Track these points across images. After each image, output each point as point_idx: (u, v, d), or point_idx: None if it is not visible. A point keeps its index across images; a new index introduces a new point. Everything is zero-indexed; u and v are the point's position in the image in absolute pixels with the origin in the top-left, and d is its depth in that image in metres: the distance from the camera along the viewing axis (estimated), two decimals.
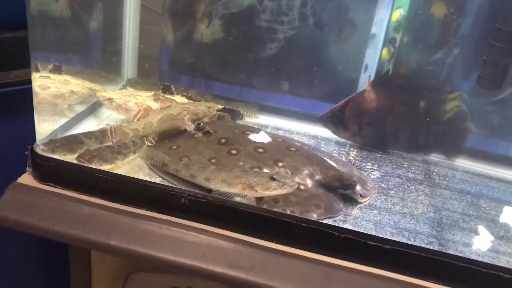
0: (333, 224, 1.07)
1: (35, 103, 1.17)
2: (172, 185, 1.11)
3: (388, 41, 1.47)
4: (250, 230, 1.05)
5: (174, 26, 1.59)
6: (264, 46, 1.56)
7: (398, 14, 1.43)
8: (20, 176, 1.16)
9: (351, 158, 1.46)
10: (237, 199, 1.08)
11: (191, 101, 1.46)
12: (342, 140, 1.55)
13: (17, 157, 1.17)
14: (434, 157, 1.53)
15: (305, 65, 1.57)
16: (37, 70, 1.19)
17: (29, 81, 1.19)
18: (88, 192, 1.12)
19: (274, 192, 1.03)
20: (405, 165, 1.45)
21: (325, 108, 1.53)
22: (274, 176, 1.03)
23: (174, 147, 1.27)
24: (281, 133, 1.54)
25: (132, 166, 1.21)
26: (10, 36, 1.28)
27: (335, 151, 1.48)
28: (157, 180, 1.16)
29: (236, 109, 1.52)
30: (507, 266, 1.01)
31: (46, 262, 1.62)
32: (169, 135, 1.33)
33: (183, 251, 1.02)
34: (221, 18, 1.56)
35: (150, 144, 1.28)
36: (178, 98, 1.50)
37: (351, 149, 1.52)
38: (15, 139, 1.30)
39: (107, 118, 1.44)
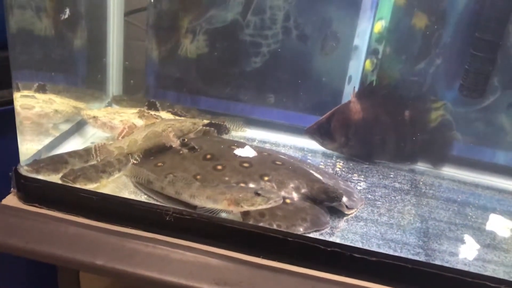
0: (320, 237, 1.08)
1: (17, 123, 1.16)
2: (157, 203, 1.11)
3: (371, 52, 1.48)
4: (236, 246, 1.04)
5: (159, 42, 1.59)
6: (249, 60, 1.56)
7: (380, 25, 1.44)
8: (4, 197, 1.15)
9: (337, 169, 1.46)
10: (223, 215, 1.08)
11: (176, 117, 1.47)
12: (328, 151, 1.56)
13: (1, 178, 1.17)
14: (421, 166, 1.53)
15: (290, 78, 1.58)
16: (18, 90, 1.19)
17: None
18: (73, 212, 1.11)
19: (259, 207, 1.03)
20: (391, 175, 1.46)
21: (311, 120, 1.54)
22: (259, 192, 1.03)
23: (160, 164, 1.27)
24: (268, 146, 1.54)
25: (117, 184, 1.21)
26: None
27: (322, 163, 1.49)
28: (143, 197, 1.16)
29: (223, 123, 1.52)
30: (493, 275, 1.02)
31: (36, 283, 1.61)
32: (155, 152, 1.32)
33: (169, 269, 1.01)
34: (205, 33, 1.57)
35: (135, 162, 1.28)
36: (164, 114, 1.50)
37: (337, 160, 1.52)
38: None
39: (92, 136, 1.44)
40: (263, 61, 1.56)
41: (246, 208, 1.03)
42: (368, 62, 1.49)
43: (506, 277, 1.01)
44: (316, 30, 1.53)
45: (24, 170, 1.14)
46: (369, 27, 1.47)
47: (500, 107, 1.45)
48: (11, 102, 1.18)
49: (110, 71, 1.62)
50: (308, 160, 1.49)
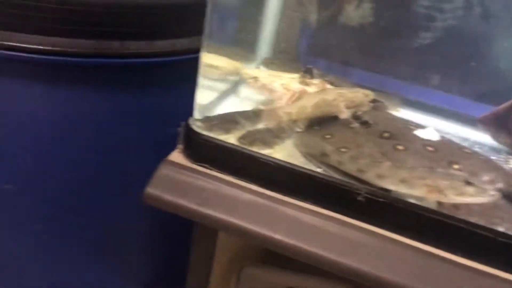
0: None
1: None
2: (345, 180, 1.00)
3: None
4: (433, 240, 0.92)
5: (319, 4, 1.47)
6: (418, 35, 1.41)
7: None
8: (169, 154, 1.08)
9: (511, 166, 1.30)
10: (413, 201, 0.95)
11: (342, 87, 1.35)
12: (497, 146, 1.40)
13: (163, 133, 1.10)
14: None
15: (462, 60, 1.42)
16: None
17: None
18: (248, 178, 1.02)
19: (469, 200, 0.90)
20: None
21: (478, 109, 1.38)
22: (471, 180, 0.90)
23: (328, 136, 1.15)
24: None
25: (285, 153, 1.11)
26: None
27: (492, 158, 1.33)
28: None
29: (380, 100, 1.39)
30: None
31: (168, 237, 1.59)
32: (319, 122, 1.21)
33: (365, 261, 0.91)
34: (372, 1, 1.43)
35: (299, 130, 1.18)
36: (319, 83, 1.39)
37: (508, 156, 1.36)
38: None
39: (246, 97, 1.35)
40: (435, 37, 1.41)
41: (451, 198, 0.91)
42: None
43: None
44: (503, 8, 1.36)
45: (196, 126, 1.06)
46: None
47: None
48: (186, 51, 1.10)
49: (262, 31, 1.52)
50: None
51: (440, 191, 0.91)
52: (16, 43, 1.14)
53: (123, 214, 1.47)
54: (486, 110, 1.37)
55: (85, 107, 1.27)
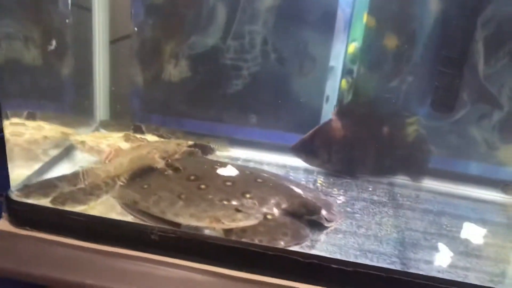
0: (300, 250, 1.13)
1: (8, 150, 1.21)
2: (143, 222, 1.16)
3: (346, 72, 1.55)
4: (220, 261, 1.09)
5: (143, 67, 1.66)
6: (231, 83, 1.63)
7: (353, 47, 1.52)
8: None
9: (318, 185, 1.52)
10: (206, 232, 1.13)
11: (161, 139, 1.52)
12: (310, 168, 1.62)
13: None
14: (399, 179, 1.59)
15: (270, 99, 1.65)
16: (8, 118, 1.24)
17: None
18: (63, 233, 1.16)
19: (240, 224, 1.08)
20: (370, 189, 1.51)
21: (291, 138, 1.60)
22: (240, 208, 1.09)
23: (146, 185, 1.31)
24: (252, 164, 1.59)
25: (106, 206, 1.25)
26: None
27: (304, 179, 1.54)
28: (129, 218, 1.21)
29: (207, 144, 1.58)
30: (465, 280, 1.07)
31: None
32: (141, 174, 1.37)
33: (156, 286, 1.06)
34: (187, 58, 1.63)
35: (122, 184, 1.33)
36: (150, 137, 1.56)
37: (318, 176, 1.58)
38: None
39: (81, 160, 1.49)
40: (244, 83, 1.63)
41: (227, 224, 1.08)
42: (343, 81, 1.56)
43: (476, 282, 1.07)
44: (293, 53, 1.61)
45: (14, 195, 1.19)
46: (343, 48, 1.54)
47: (471, 120, 1.53)
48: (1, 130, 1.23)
49: (97, 96, 1.68)
50: (290, 177, 1.54)
51: (218, 220, 1.08)
52: None
53: None
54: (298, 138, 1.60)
55: None
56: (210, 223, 1.09)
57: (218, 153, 1.62)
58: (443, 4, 1.45)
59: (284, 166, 1.62)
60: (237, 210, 1.08)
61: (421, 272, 1.09)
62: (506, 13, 1.40)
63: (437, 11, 1.46)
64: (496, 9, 1.40)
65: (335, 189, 1.49)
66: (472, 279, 1.10)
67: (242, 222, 1.07)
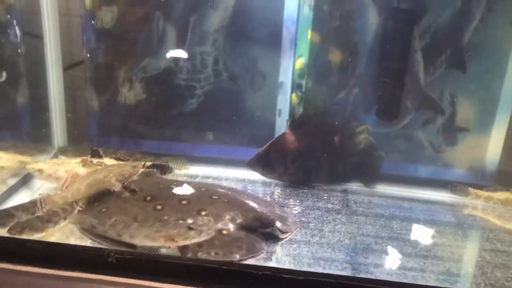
0: (255, 263, 1.17)
1: None
2: (101, 246, 1.19)
3: (296, 87, 1.62)
4: (177, 279, 1.12)
5: (98, 92, 1.69)
6: (185, 102, 1.67)
7: (300, 62, 1.58)
8: None
9: (275, 196, 1.57)
10: (163, 251, 1.16)
11: (119, 162, 1.55)
12: (268, 180, 1.66)
13: None
14: (352, 186, 1.66)
15: (225, 116, 1.70)
16: None
17: None
18: (22, 262, 1.17)
19: (193, 241, 1.12)
20: (325, 197, 1.57)
21: (248, 152, 1.65)
22: (191, 226, 1.12)
23: (104, 209, 1.34)
24: (210, 180, 1.64)
25: (64, 232, 1.27)
26: None
27: (261, 192, 1.59)
28: (88, 242, 1.23)
29: (165, 163, 1.61)
30: (412, 282, 1.13)
31: None
32: (99, 198, 1.39)
33: None
34: (141, 81, 1.67)
35: (80, 209, 1.35)
36: (108, 161, 1.58)
37: (275, 188, 1.63)
38: None
39: (40, 188, 1.51)
40: (199, 102, 1.68)
41: (181, 242, 1.12)
42: (294, 95, 1.62)
43: (422, 282, 1.13)
44: (244, 70, 1.66)
45: None
46: (291, 64, 1.60)
47: (416, 126, 1.60)
48: None
49: (54, 123, 1.70)
50: (248, 190, 1.59)
51: (172, 239, 1.12)
52: None
53: None
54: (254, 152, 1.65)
55: None
56: (164, 242, 1.12)
57: (177, 171, 1.65)
58: (382, 17, 1.53)
59: (242, 180, 1.67)
60: (189, 228, 1.11)
61: (370, 276, 1.14)
62: (439, 24, 1.49)
63: (377, 25, 1.54)
64: (430, 20, 1.49)
65: (291, 200, 1.54)
66: (419, 279, 1.16)
67: (195, 239, 1.11)
